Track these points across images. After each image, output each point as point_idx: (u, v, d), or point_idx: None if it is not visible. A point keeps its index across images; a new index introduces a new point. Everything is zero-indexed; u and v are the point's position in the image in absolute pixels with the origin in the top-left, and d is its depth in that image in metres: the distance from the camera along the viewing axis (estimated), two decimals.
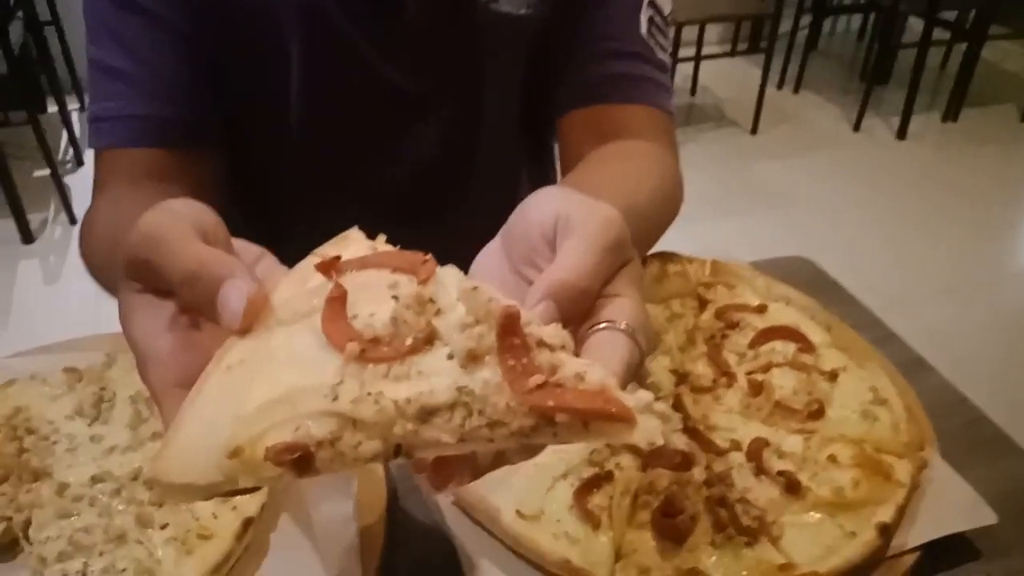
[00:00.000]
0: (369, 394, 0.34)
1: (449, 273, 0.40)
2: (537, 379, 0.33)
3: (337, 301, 0.39)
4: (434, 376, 0.35)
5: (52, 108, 3.25)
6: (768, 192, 3.17)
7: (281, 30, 0.76)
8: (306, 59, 0.78)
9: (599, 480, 0.66)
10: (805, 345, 0.82)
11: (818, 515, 0.65)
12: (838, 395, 0.77)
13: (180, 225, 0.41)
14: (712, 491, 0.66)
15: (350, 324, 0.37)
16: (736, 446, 0.71)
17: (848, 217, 3.01)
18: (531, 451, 0.36)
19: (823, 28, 4.35)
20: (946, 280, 2.66)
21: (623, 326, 0.40)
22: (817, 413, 0.74)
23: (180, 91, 0.76)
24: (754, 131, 3.56)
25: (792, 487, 0.66)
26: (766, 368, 0.79)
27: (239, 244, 0.45)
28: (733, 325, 0.85)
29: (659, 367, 0.79)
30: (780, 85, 3.98)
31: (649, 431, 0.33)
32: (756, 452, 0.70)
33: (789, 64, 3.96)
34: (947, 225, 2.96)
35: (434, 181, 0.91)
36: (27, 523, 0.60)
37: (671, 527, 0.63)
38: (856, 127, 3.60)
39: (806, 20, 4.01)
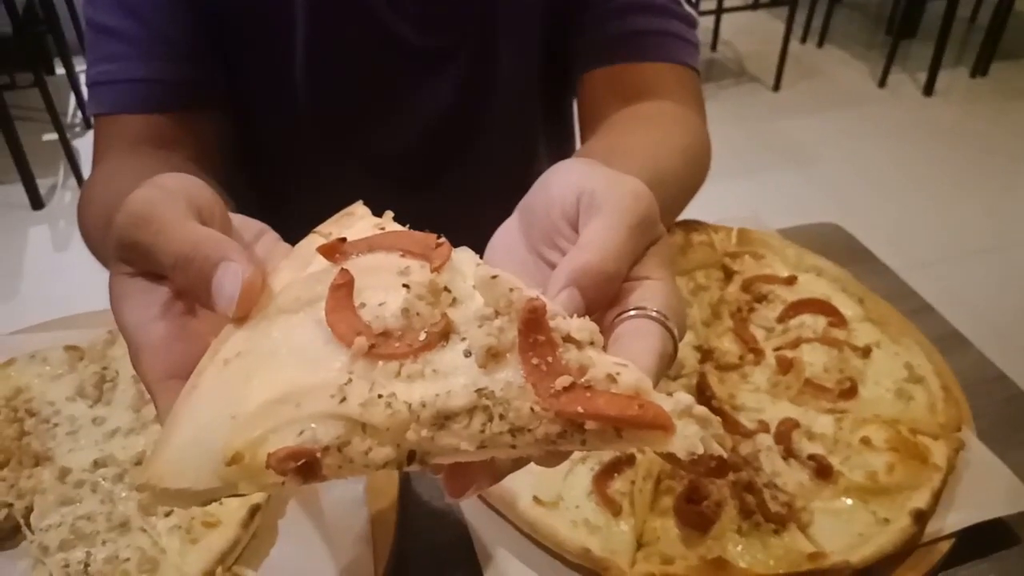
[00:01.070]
0: (380, 396, 0.31)
1: (464, 258, 0.37)
2: (564, 381, 0.30)
3: (343, 289, 0.35)
4: (450, 375, 0.32)
5: (60, 70, 3.19)
6: (790, 150, 3.08)
7: None
8: (311, 13, 0.73)
9: (620, 464, 0.63)
10: (837, 319, 0.79)
11: (850, 501, 0.62)
12: (871, 372, 0.73)
13: (172, 203, 0.38)
14: (739, 476, 0.63)
15: (357, 315, 0.34)
16: (764, 427, 0.68)
17: (873, 176, 2.92)
18: (557, 457, 0.33)
19: None
20: (978, 241, 2.58)
21: (654, 313, 0.36)
22: (849, 392, 0.71)
23: (181, 51, 0.72)
24: (777, 87, 3.46)
25: (823, 471, 0.63)
26: (795, 344, 0.76)
27: (238, 220, 0.41)
28: (761, 298, 0.81)
29: (682, 343, 0.75)
30: (804, 39, 3.85)
31: (688, 439, 0.30)
32: (785, 434, 0.67)
33: (813, 17, 3.82)
34: (977, 184, 2.87)
35: (445, 143, 0.86)
36: (28, 510, 0.59)
37: (696, 514, 0.60)
38: (882, 83, 3.49)
39: None
